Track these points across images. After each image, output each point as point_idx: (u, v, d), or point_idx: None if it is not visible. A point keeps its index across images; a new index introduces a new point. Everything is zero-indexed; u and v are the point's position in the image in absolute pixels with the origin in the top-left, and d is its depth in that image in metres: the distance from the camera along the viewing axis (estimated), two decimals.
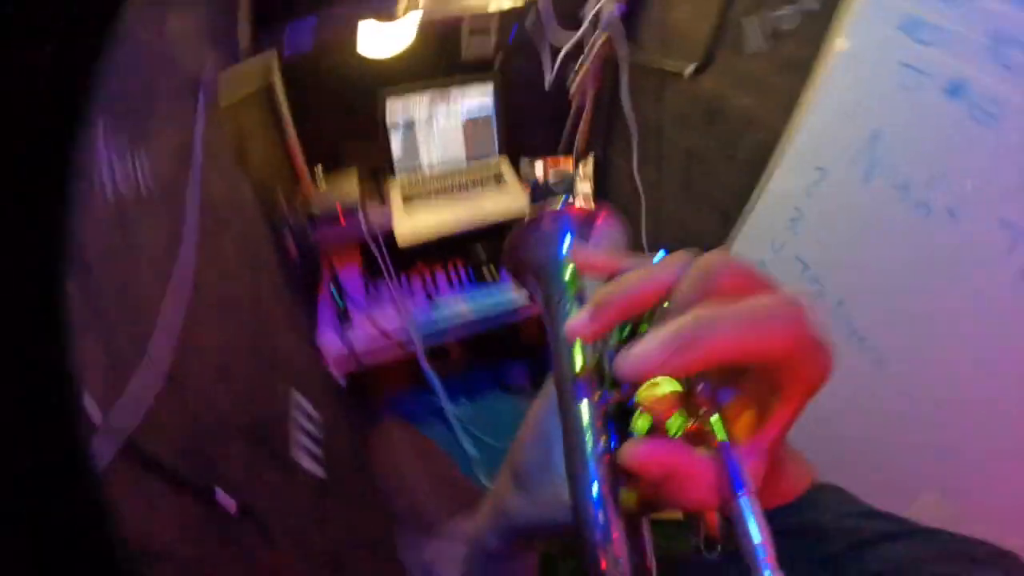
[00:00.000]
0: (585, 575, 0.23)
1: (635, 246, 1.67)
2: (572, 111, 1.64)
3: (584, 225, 0.34)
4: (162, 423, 0.73)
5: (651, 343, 0.21)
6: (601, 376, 0.28)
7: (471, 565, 0.37)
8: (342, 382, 1.53)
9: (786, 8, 1.01)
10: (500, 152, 1.77)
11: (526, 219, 0.35)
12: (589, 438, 0.25)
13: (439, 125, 1.66)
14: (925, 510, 0.90)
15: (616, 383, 0.26)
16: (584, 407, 0.26)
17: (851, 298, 1.00)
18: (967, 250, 0.77)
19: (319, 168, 1.66)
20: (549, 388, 0.30)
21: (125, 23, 0.67)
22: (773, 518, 0.32)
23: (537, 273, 0.35)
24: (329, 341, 1.52)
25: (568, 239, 0.34)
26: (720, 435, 0.23)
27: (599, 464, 0.25)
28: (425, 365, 1.61)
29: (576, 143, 1.71)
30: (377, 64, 1.42)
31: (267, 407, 1.11)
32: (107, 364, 0.64)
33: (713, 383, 0.24)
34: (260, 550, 0.88)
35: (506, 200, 1.64)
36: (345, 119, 1.65)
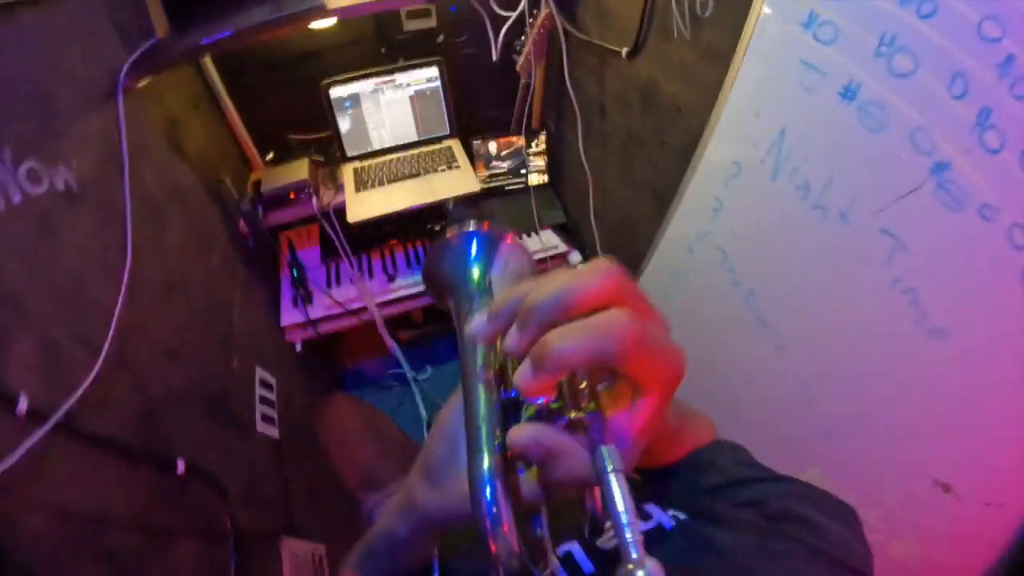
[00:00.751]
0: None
1: (584, 222, 1.74)
2: (520, 87, 1.63)
3: (490, 246, 0.37)
4: (106, 401, 0.83)
5: (522, 369, 0.25)
6: (502, 377, 0.30)
7: (379, 548, 0.41)
8: (299, 349, 1.63)
9: None
10: (452, 133, 1.79)
11: (440, 240, 0.38)
12: (484, 431, 0.28)
13: (385, 99, 1.68)
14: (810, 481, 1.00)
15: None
16: (482, 404, 0.29)
17: (760, 288, 1.06)
18: (853, 254, 0.82)
19: (271, 155, 1.73)
20: (458, 390, 0.32)
21: None
22: (674, 463, 0.43)
23: (449, 288, 0.37)
24: (288, 314, 1.62)
25: (474, 256, 0.37)
26: (592, 426, 0.25)
27: (493, 454, 0.27)
28: (384, 333, 1.71)
29: (527, 119, 1.73)
30: (318, 54, 1.45)
31: (222, 379, 1.22)
32: (43, 358, 0.72)
33: (591, 380, 0.27)
34: (209, 502, 1.00)
35: (458, 180, 1.67)
36: (292, 108, 1.70)
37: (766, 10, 0.88)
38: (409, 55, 1.68)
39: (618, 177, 1.57)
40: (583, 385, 0.27)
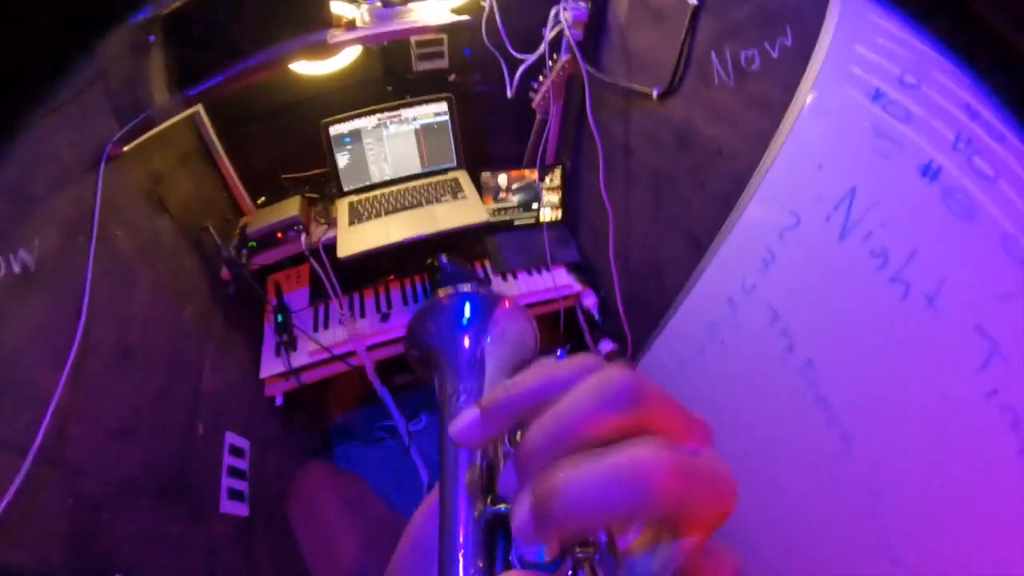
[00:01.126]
0: None
1: (603, 263, 1.60)
2: (536, 123, 1.54)
3: (485, 311, 0.32)
4: (28, 517, 0.66)
5: (521, 513, 0.19)
6: (488, 484, 0.24)
7: None
8: (279, 403, 1.47)
9: (751, 49, 0.93)
10: (459, 166, 1.67)
11: (425, 304, 0.34)
12: (461, 561, 0.22)
13: (389, 133, 1.58)
14: None
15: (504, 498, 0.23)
16: (461, 521, 0.23)
17: (821, 360, 0.91)
18: (940, 347, 0.69)
19: (263, 199, 1.61)
20: (434, 492, 0.27)
21: None
22: None
23: (434, 358, 0.32)
24: (269, 364, 1.45)
25: (466, 321, 0.32)
26: (605, 568, 0.20)
27: None
28: (374, 378, 1.55)
29: (542, 155, 1.62)
30: (321, 98, 1.38)
31: (183, 452, 1.05)
32: None
33: None
34: None
35: (463, 210, 1.54)
36: (288, 150, 1.61)
37: (824, 76, 0.82)
38: (416, 93, 1.60)
39: (644, 217, 1.45)
40: None
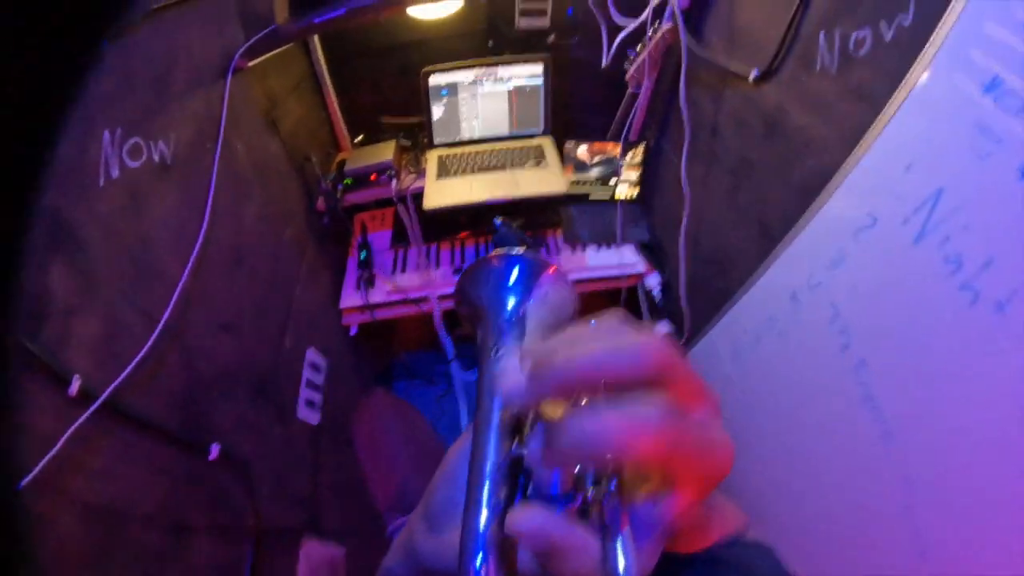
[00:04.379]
0: None
1: (671, 245, 1.62)
2: (626, 96, 1.53)
3: (531, 275, 0.34)
4: (154, 378, 0.79)
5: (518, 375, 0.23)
6: (519, 428, 0.27)
7: None
8: (353, 332, 1.59)
9: (864, 29, 0.90)
10: (546, 132, 1.70)
11: (479, 261, 0.36)
12: (487, 487, 0.25)
13: (483, 91, 1.61)
14: None
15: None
16: (491, 455, 0.26)
17: (875, 361, 0.92)
18: (1005, 357, 0.67)
19: (360, 138, 1.70)
20: (468, 431, 0.30)
21: (119, 27, 0.70)
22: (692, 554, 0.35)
23: (480, 313, 0.34)
24: (348, 296, 1.58)
25: (513, 283, 0.34)
26: (609, 515, 0.22)
27: (492, 515, 0.24)
28: (440, 326, 1.65)
29: (627, 130, 1.62)
30: (424, 43, 1.41)
31: (273, 357, 1.18)
32: (105, 335, 0.69)
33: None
34: (236, 491, 0.96)
35: (544, 178, 1.57)
36: (388, 93, 1.67)
37: (938, 62, 0.76)
38: (516, 51, 1.61)
39: (720, 203, 1.44)
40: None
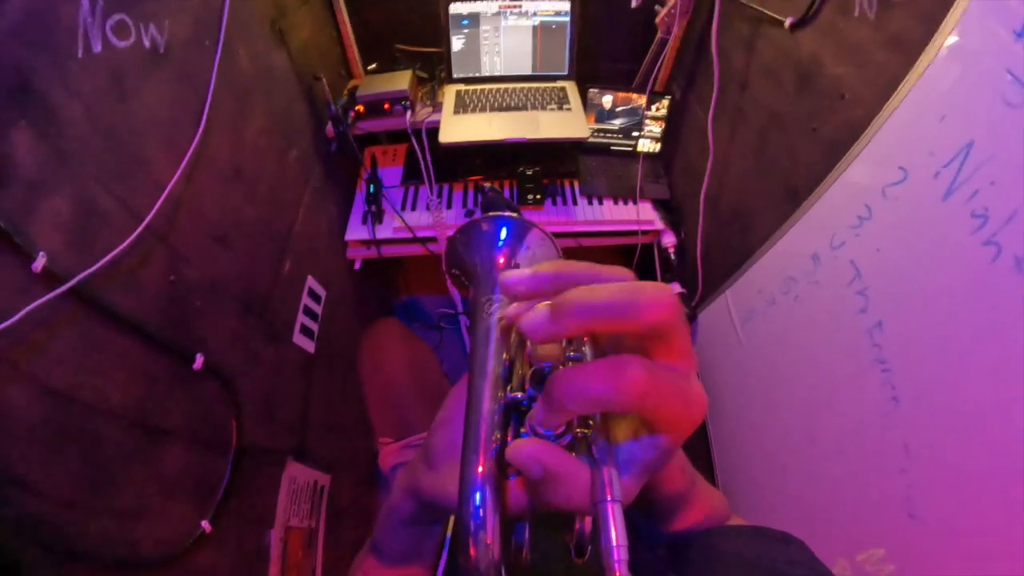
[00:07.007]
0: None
1: (690, 204, 1.55)
2: (654, 43, 1.45)
3: (519, 234, 0.37)
4: (135, 274, 0.77)
5: (539, 312, 0.23)
6: (511, 376, 0.30)
7: (383, 523, 0.40)
8: (357, 267, 1.57)
9: None
10: (570, 75, 1.62)
11: (468, 223, 0.38)
12: (483, 431, 0.27)
13: (507, 25, 1.53)
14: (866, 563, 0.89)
15: (523, 386, 0.29)
16: (486, 401, 0.28)
17: (892, 324, 0.88)
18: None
19: (374, 66, 1.64)
20: (466, 376, 0.31)
21: None
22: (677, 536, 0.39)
23: (471, 273, 0.37)
24: (355, 229, 1.55)
25: (502, 242, 0.37)
26: (598, 451, 0.25)
27: (488, 458, 0.26)
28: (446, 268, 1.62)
29: (653, 81, 1.54)
30: None
31: (269, 279, 1.16)
32: (76, 218, 0.66)
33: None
34: (219, 405, 0.95)
35: (566, 122, 1.49)
36: (404, 18, 1.59)
37: (971, 7, 0.72)
38: None
39: (745, 161, 1.37)
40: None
